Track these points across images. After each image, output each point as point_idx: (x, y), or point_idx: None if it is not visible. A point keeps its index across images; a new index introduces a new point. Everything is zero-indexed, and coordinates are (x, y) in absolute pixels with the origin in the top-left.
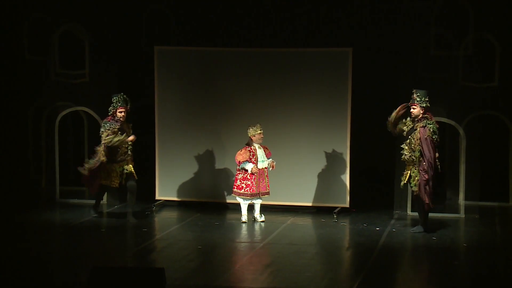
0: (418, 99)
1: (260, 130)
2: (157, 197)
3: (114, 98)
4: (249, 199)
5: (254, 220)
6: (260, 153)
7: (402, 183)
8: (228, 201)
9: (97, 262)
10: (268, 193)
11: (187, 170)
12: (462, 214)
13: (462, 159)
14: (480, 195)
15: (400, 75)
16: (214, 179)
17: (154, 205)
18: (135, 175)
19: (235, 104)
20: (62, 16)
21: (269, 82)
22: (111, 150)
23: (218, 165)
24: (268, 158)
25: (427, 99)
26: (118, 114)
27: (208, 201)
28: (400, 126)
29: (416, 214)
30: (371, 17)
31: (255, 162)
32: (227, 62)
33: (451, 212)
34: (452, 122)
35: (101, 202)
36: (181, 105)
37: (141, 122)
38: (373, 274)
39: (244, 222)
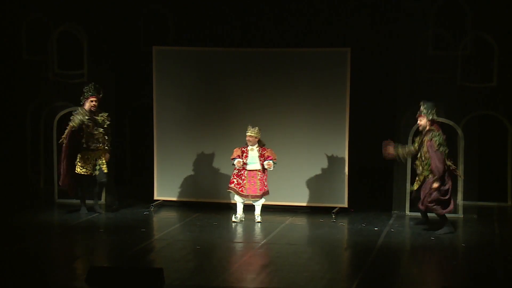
0: (424, 111)
1: (250, 133)
2: (155, 197)
3: (85, 88)
4: (240, 199)
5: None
6: (252, 155)
7: (412, 187)
8: (226, 201)
9: (95, 262)
10: (258, 197)
11: (185, 170)
12: (460, 214)
13: (461, 159)
14: (479, 195)
15: (399, 75)
16: (212, 179)
17: (152, 205)
18: (105, 169)
19: (233, 104)
20: (60, 16)
21: (268, 82)
22: (85, 136)
23: (217, 165)
24: (265, 161)
25: (433, 111)
26: (90, 103)
27: (207, 201)
28: (401, 151)
29: (415, 214)
30: (370, 17)
31: (245, 162)
32: (226, 62)
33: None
34: (451, 122)
35: (99, 201)
36: (180, 105)
37: (139, 122)
38: (371, 274)
39: (234, 222)
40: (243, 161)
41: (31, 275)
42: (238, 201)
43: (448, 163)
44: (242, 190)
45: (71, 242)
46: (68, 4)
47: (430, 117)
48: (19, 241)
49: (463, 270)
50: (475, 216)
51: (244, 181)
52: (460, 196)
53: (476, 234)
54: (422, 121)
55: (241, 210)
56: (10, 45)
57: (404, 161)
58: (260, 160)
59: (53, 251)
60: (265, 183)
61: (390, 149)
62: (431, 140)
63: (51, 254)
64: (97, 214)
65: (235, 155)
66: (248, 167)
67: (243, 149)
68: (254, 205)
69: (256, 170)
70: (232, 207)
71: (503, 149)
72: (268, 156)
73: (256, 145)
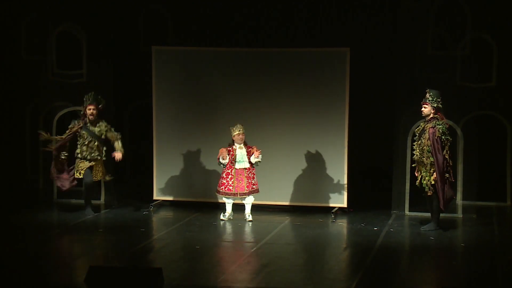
0: (430, 99)
1: (239, 130)
2: (154, 197)
3: (85, 96)
4: (228, 198)
5: (246, 219)
6: (240, 153)
7: (417, 182)
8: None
9: (94, 262)
10: (245, 194)
11: (184, 170)
12: (460, 214)
13: (460, 159)
14: (478, 195)
15: (398, 75)
16: (211, 179)
17: (151, 205)
18: (102, 174)
19: (232, 104)
20: (59, 16)
21: (267, 82)
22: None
23: (216, 165)
24: (250, 158)
25: (439, 99)
26: (87, 112)
27: (206, 201)
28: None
29: (414, 214)
30: (369, 17)
31: (233, 161)
32: (225, 62)
33: (449, 212)
34: (450, 122)
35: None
36: (179, 105)
37: (138, 122)
38: (370, 274)
39: (222, 220)
40: (229, 159)
41: (31, 275)
42: (227, 201)
43: (446, 155)
44: (229, 189)
45: (71, 242)
46: (67, 4)
47: (435, 105)
48: (18, 241)
49: (463, 270)
50: (475, 216)
51: (232, 180)
52: (459, 196)
53: (475, 234)
54: (426, 109)
55: (230, 208)
56: (9, 45)
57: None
58: (249, 157)
59: (53, 251)
60: (254, 181)
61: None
62: (434, 127)
63: (51, 254)
64: (96, 214)
65: (221, 155)
66: (237, 166)
67: (229, 149)
68: (244, 205)
69: (244, 168)
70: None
71: (502, 149)
72: (256, 151)
73: (243, 144)
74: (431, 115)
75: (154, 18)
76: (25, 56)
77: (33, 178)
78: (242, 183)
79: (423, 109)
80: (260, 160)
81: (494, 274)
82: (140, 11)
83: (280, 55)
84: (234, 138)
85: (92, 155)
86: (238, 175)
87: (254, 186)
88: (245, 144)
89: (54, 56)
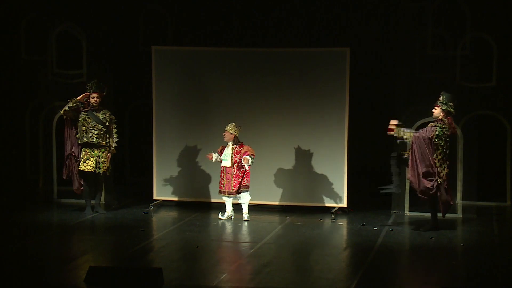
0: (441, 101)
1: (226, 127)
2: (154, 197)
3: (88, 84)
4: (227, 197)
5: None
6: (226, 151)
7: None
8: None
9: (94, 262)
10: (232, 193)
11: (184, 170)
12: (459, 214)
13: (460, 159)
14: (478, 195)
15: (398, 75)
16: (211, 179)
17: (151, 205)
18: (106, 167)
19: (232, 104)
20: (59, 16)
21: (267, 82)
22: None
23: (216, 165)
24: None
25: (451, 103)
26: (91, 100)
27: (206, 201)
28: (400, 131)
29: (414, 214)
30: (369, 17)
31: (221, 159)
32: (225, 62)
33: (449, 212)
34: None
35: (97, 201)
36: (179, 105)
37: (138, 122)
38: (370, 274)
39: (220, 219)
40: (217, 157)
41: (30, 275)
42: (225, 199)
43: (438, 160)
44: (221, 187)
45: (71, 242)
46: (67, 4)
47: (444, 108)
48: (18, 241)
49: (462, 270)
50: (474, 216)
51: (223, 178)
52: (459, 196)
53: (475, 234)
54: (436, 111)
55: (230, 208)
56: (9, 45)
57: (398, 142)
58: (235, 157)
59: (52, 251)
60: (245, 180)
61: (393, 126)
62: (433, 127)
63: (50, 254)
64: (96, 213)
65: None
66: (222, 164)
67: (223, 146)
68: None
69: (228, 167)
70: (232, 207)
71: (502, 149)
72: (245, 152)
73: (232, 142)
74: (440, 117)
75: (154, 18)
76: (25, 56)
77: (33, 177)
78: (230, 182)
79: (433, 110)
80: (250, 164)
81: (494, 274)
82: (140, 11)
83: (280, 55)
84: None
85: (100, 140)
86: (227, 174)
87: (245, 182)
88: (238, 143)
89: (54, 56)
